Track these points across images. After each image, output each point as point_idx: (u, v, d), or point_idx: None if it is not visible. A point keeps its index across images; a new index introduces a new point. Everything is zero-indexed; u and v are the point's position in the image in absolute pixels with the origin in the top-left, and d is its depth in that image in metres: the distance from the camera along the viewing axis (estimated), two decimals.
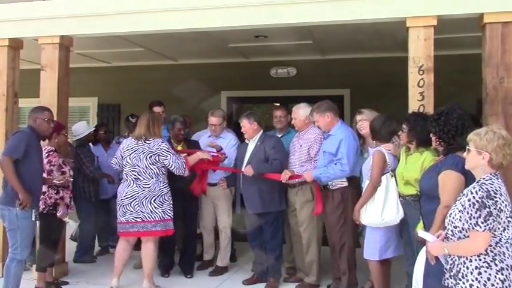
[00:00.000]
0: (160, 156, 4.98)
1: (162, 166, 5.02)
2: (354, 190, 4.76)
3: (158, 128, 5.11)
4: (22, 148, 4.42)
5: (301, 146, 5.19)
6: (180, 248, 5.88)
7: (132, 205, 4.95)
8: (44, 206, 4.94)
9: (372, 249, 4.38)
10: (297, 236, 5.28)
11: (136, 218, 4.95)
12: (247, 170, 5.16)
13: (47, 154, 5.02)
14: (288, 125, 5.79)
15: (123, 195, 5.01)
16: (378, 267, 4.41)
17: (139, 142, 5.04)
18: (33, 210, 4.52)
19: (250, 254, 5.76)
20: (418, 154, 4.01)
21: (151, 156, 4.97)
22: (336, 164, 4.73)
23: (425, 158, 3.92)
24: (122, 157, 5.11)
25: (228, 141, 5.84)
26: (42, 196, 4.92)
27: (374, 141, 4.54)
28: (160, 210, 4.97)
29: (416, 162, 3.99)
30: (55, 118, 5.35)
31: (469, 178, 3.06)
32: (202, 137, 5.97)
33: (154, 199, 4.95)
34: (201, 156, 5.30)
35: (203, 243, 6.00)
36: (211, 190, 5.77)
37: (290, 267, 5.56)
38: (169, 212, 5.04)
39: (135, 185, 4.98)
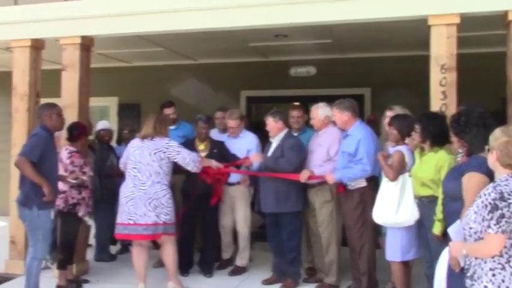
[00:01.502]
0: (169, 153, 4.90)
1: (167, 166, 4.93)
2: (373, 191, 4.71)
3: (165, 128, 5.05)
4: (38, 152, 4.45)
5: (320, 145, 5.15)
6: (200, 248, 5.89)
7: (127, 205, 4.86)
8: (64, 205, 4.99)
9: (394, 251, 4.35)
10: (316, 236, 5.24)
11: (129, 220, 4.84)
12: (254, 157, 5.23)
13: (69, 155, 5.05)
14: (305, 125, 5.75)
15: (122, 194, 4.95)
16: (401, 269, 4.37)
17: (145, 140, 4.98)
18: (51, 209, 4.58)
19: (269, 254, 5.74)
20: (432, 153, 3.96)
21: (156, 152, 4.89)
22: (357, 164, 4.69)
23: (440, 157, 3.88)
24: (128, 156, 5.07)
25: (249, 140, 5.83)
26: (63, 195, 4.97)
27: (395, 142, 4.49)
28: (153, 214, 4.81)
29: (430, 162, 3.94)
30: (76, 119, 5.43)
31: (493, 179, 3.00)
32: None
33: (150, 202, 4.81)
34: (214, 164, 5.24)
35: (221, 242, 6.00)
36: (230, 190, 5.76)
37: (310, 268, 5.53)
38: (164, 216, 4.84)
39: (132, 185, 4.89)
